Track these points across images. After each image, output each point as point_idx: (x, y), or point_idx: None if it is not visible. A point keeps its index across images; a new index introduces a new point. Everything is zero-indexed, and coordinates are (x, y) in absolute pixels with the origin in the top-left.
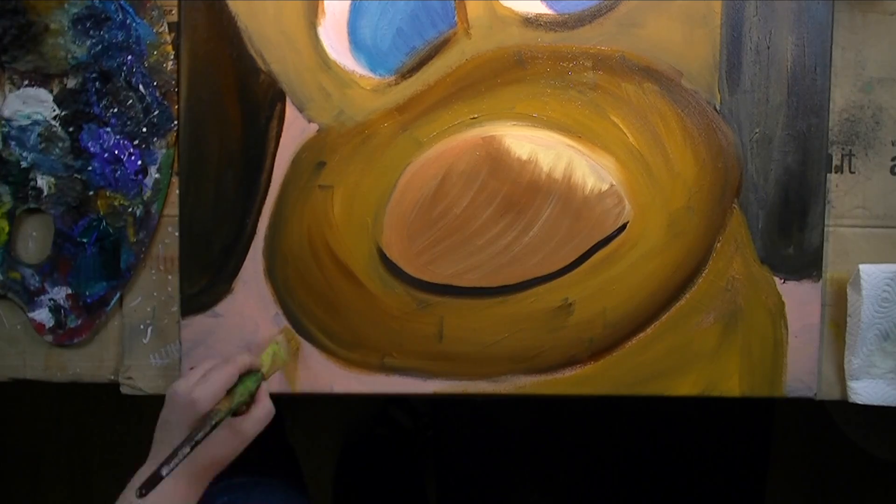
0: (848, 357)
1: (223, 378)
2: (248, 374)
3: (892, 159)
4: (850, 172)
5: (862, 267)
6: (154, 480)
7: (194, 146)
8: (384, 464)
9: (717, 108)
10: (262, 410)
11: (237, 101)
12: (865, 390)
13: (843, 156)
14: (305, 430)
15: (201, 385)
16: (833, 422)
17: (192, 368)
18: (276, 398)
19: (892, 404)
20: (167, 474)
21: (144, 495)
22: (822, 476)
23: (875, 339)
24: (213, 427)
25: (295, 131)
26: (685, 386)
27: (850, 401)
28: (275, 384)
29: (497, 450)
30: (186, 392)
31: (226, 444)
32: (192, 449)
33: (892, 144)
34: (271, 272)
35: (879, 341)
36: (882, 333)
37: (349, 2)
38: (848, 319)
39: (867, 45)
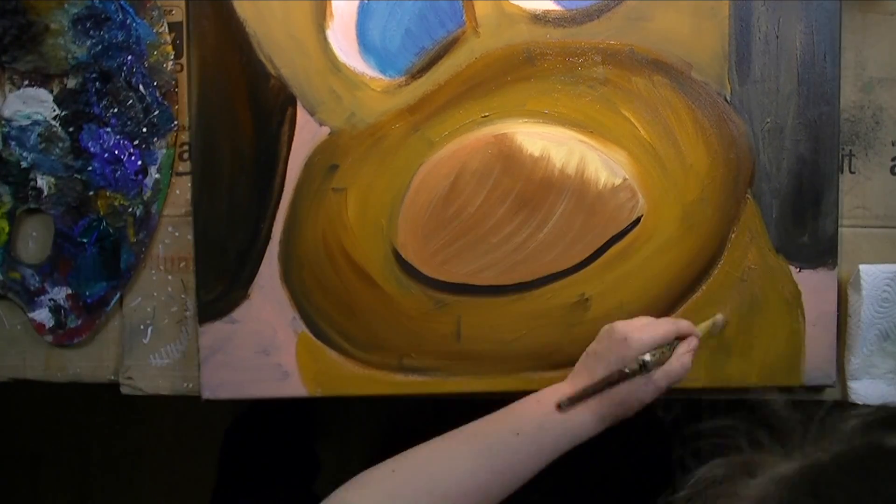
0: (848, 357)
1: (661, 333)
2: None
3: (892, 159)
4: (850, 172)
5: (862, 267)
6: (579, 398)
7: (206, 153)
8: None
9: (728, 98)
10: (678, 366)
11: (248, 106)
12: (865, 390)
13: (843, 156)
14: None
15: (640, 331)
16: None
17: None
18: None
19: (892, 404)
20: (589, 397)
21: (565, 409)
22: None
23: (875, 339)
24: (638, 370)
25: (306, 135)
26: (704, 378)
27: (850, 401)
28: (291, 389)
29: None
30: (624, 332)
31: (637, 390)
32: (618, 381)
33: (892, 144)
34: (287, 277)
35: (879, 341)
36: (882, 333)
37: (357, 3)
38: (848, 319)
39: (867, 45)
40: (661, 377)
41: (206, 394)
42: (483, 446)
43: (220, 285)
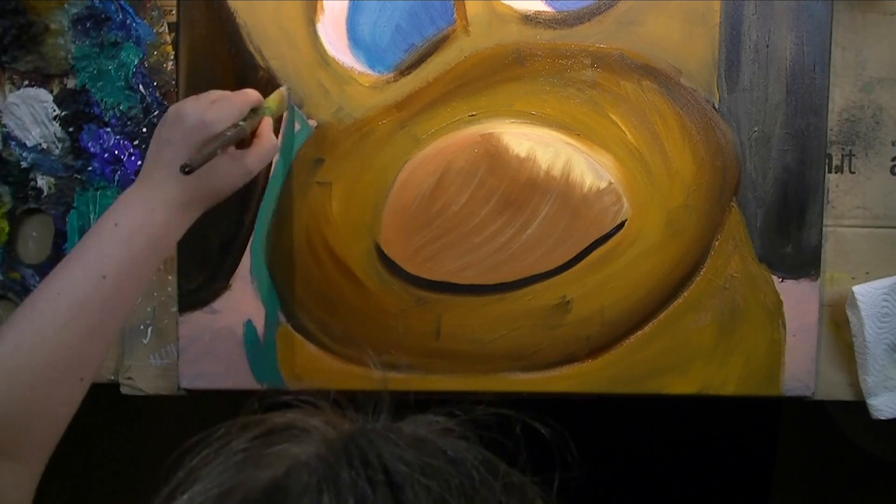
0: (862, 377)
1: (236, 106)
2: (254, 109)
3: (892, 159)
4: (850, 172)
5: (855, 288)
6: (203, 159)
7: None
8: None
9: (716, 106)
10: (267, 144)
11: None
12: (886, 405)
13: (843, 156)
14: None
15: (214, 109)
16: (834, 422)
17: (197, 95)
18: None
19: None
20: (212, 157)
21: (190, 172)
22: (824, 477)
23: (885, 354)
24: (234, 136)
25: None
26: (682, 384)
27: (874, 417)
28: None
29: (502, 446)
30: (198, 113)
31: (228, 173)
32: (227, 140)
33: (892, 144)
34: (269, 269)
35: (890, 354)
36: (891, 346)
37: None
38: (854, 340)
39: (867, 45)
40: (254, 160)
41: (184, 383)
42: (88, 245)
43: (202, 275)
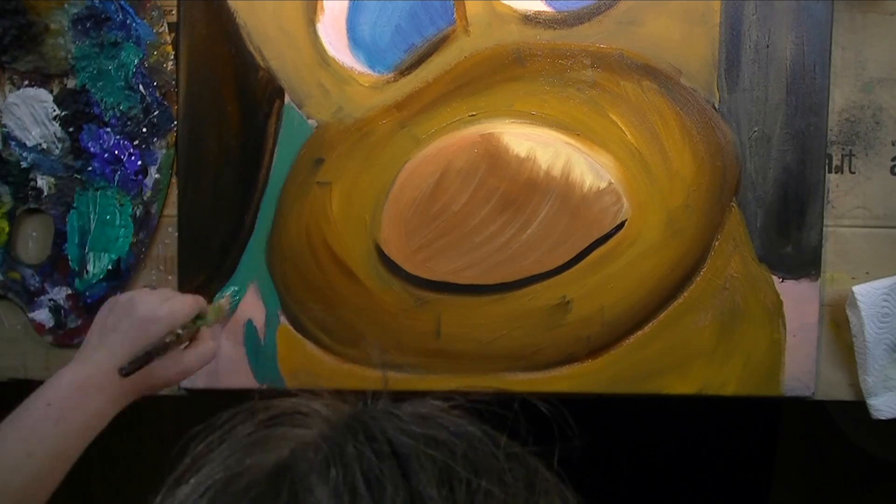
0: (862, 377)
1: (187, 308)
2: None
3: (892, 159)
4: (850, 172)
5: (855, 288)
6: (140, 363)
7: (193, 143)
8: None
9: (716, 106)
10: (206, 347)
11: (236, 97)
12: (886, 405)
13: (843, 156)
14: None
15: (167, 306)
16: (834, 422)
17: (151, 290)
18: None
19: None
20: (149, 362)
21: (126, 375)
22: (823, 476)
23: (885, 354)
24: (172, 343)
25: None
26: (682, 384)
27: (874, 417)
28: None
29: (503, 422)
30: (151, 307)
31: (165, 372)
32: (165, 348)
33: (892, 144)
34: (269, 269)
35: (890, 354)
36: (891, 346)
37: None
38: (854, 340)
39: (867, 45)
40: (192, 361)
41: (184, 383)
42: (17, 422)
43: (202, 275)
